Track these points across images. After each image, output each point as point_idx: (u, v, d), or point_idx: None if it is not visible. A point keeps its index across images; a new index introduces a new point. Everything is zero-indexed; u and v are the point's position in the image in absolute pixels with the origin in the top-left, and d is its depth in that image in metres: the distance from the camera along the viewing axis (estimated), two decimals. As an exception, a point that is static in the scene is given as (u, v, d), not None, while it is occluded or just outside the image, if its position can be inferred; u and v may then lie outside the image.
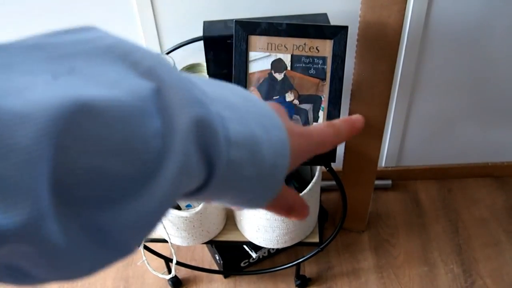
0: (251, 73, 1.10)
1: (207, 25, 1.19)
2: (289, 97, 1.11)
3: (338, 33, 1.05)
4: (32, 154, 0.16)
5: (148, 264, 1.36)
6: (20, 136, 0.16)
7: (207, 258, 1.57)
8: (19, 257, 0.18)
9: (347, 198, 1.26)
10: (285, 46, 1.07)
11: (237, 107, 0.26)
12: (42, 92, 0.17)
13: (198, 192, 0.25)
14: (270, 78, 1.10)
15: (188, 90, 0.23)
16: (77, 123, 0.17)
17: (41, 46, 0.19)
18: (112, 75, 0.20)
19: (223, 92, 0.26)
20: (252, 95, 0.28)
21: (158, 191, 0.21)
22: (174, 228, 1.25)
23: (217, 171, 0.24)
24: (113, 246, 0.21)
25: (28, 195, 0.16)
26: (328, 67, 1.08)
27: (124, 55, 0.21)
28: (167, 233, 1.26)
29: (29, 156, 0.16)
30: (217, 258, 1.49)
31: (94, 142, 0.18)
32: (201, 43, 1.17)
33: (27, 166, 0.16)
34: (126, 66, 0.21)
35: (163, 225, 1.25)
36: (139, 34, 1.34)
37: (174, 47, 1.30)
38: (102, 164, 0.19)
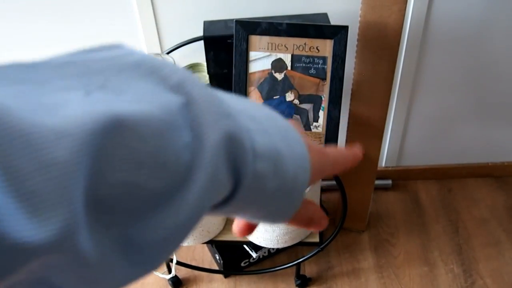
0: (251, 73, 1.10)
1: (208, 24, 1.19)
2: (289, 97, 1.11)
3: (338, 33, 1.05)
4: (69, 169, 0.17)
5: (148, 263, 1.36)
6: (58, 151, 0.16)
7: (207, 258, 1.57)
8: (52, 271, 0.18)
9: (347, 198, 1.25)
10: (285, 46, 1.07)
11: (260, 120, 0.26)
12: (77, 108, 0.18)
13: (224, 204, 0.25)
14: (271, 78, 1.10)
15: (216, 104, 0.23)
16: (112, 137, 0.18)
17: (71, 63, 0.20)
18: (141, 90, 0.20)
19: (246, 106, 0.27)
20: (273, 111, 0.29)
21: (187, 203, 0.21)
22: (174, 228, 1.25)
23: (243, 183, 0.24)
24: (142, 260, 0.21)
25: (63, 208, 0.16)
26: (329, 67, 1.08)
27: (152, 71, 0.21)
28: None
29: (66, 171, 0.17)
30: (217, 258, 1.49)
31: (128, 155, 0.19)
32: (202, 43, 1.17)
33: (64, 180, 0.17)
34: (154, 81, 0.21)
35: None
36: (139, 34, 1.34)
37: (175, 47, 1.30)
38: (135, 177, 0.19)
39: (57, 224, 0.16)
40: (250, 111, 0.26)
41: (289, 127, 0.28)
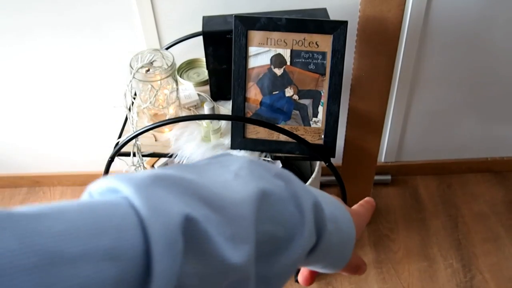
0: (250, 68, 1.10)
1: (207, 20, 1.19)
2: (289, 92, 1.11)
3: (337, 28, 1.05)
4: (250, 220, 0.30)
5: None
6: (242, 210, 0.30)
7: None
8: (241, 284, 0.29)
9: (347, 193, 1.25)
10: (284, 41, 1.07)
11: (321, 195, 0.39)
12: (239, 186, 0.31)
13: (308, 255, 0.36)
14: (270, 73, 1.10)
15: (302, 185, 0.36)
16: (263, 203, 0.32)
17: (211, 163, 0.35)
18: (262, 175, 0.34)
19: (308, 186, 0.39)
20: (325, 193, 0.42)
21: (299, 247, 0.33)
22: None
23: (324, 237, 0.36)
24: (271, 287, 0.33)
25: (249, 244, 0.29)
26: (328, 62, 1.08)
27: (261, 165, 0.36)
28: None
29: (249, 221, 0.30)
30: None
31: (268, 213, 0.32)
32: (201, 38, 1.17)
33: (248, 227, 0.29)
34: (265, 171, 0.35)
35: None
36: (138, 29, 1.34)
37: (174, 42, 1.30)
38: (271, 228, 0.32)
39: (246, 254, 0.28)
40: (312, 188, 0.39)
41: (337, 200, 0.42)
